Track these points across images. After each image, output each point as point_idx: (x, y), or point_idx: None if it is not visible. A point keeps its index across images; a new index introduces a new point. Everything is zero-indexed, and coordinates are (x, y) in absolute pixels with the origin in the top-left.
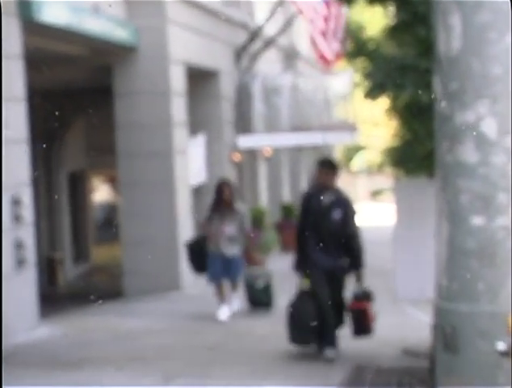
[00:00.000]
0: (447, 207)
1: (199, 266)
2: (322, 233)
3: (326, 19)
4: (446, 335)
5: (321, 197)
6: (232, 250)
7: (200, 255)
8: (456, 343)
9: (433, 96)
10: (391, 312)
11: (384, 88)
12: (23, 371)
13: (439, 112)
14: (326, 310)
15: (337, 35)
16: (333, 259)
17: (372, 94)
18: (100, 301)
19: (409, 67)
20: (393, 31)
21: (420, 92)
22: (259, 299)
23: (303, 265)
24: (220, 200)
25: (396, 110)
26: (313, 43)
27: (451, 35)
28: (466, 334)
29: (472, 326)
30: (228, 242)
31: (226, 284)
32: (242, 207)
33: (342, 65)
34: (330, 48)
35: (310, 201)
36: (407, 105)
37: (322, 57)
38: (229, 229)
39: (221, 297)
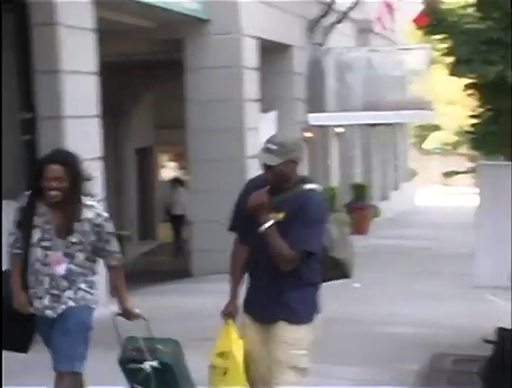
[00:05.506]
0: None
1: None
2: None
3: None
4: None
5: None
6: (67, 306)
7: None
8: None
9: None
10: (468, 298)
11: (471, 64)
12: None
13: None
14: None
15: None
16: None
17: (458, 70)
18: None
19: (497, 41)
20: (478, 5)
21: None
22: None
23: None
24: (36, 201)
25: (477, 87)
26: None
27: None
28: None
29: None
30: (61, 291)
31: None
32: (94, 212)
33: (418, 39)
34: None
35: None
36: (491, 82)
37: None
38: (63, 263)
39: None
